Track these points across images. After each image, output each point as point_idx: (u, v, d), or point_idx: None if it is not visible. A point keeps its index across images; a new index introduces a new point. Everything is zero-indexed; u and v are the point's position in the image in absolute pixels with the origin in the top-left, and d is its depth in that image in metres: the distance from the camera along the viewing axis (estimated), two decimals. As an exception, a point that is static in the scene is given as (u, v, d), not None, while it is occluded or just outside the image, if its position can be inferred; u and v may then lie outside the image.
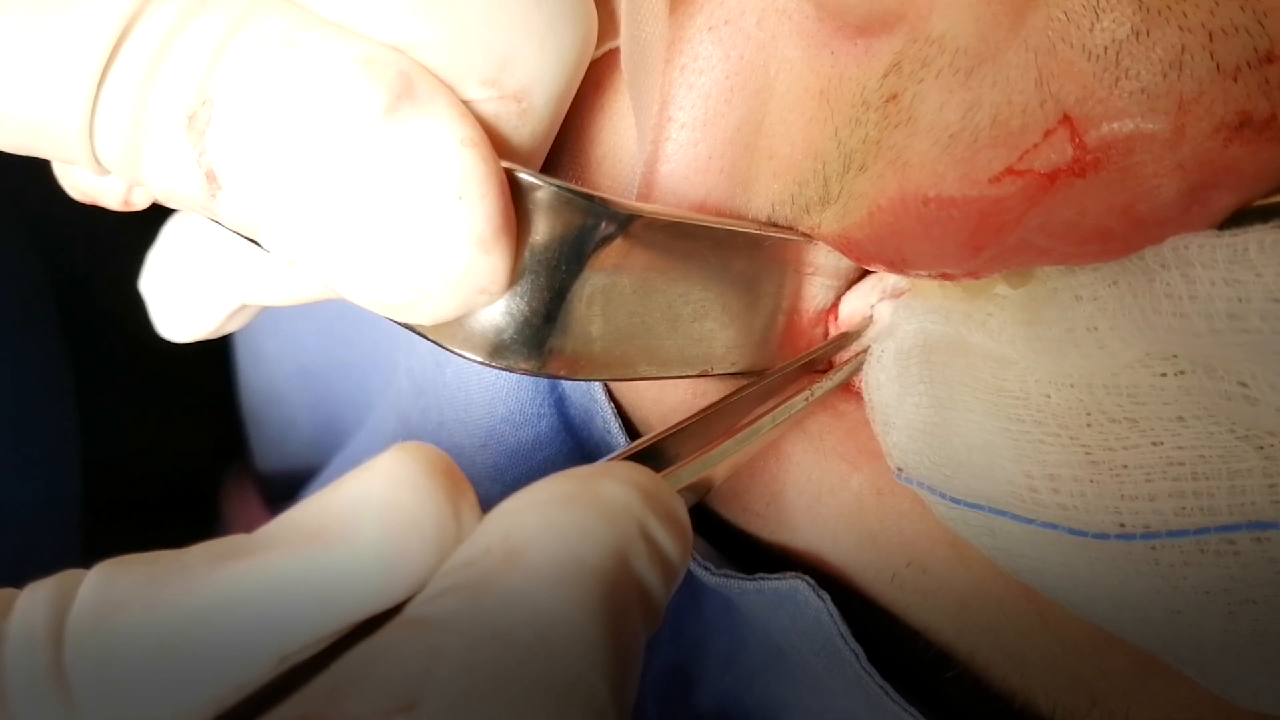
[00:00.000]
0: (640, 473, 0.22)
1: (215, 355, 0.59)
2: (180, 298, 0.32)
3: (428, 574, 0.20)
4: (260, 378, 0.57)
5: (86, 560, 0.21)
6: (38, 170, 0.28)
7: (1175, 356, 0.24)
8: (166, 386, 0.61)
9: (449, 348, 0.24)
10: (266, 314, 0.54)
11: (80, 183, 0.28)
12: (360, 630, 0.20)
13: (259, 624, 0.20)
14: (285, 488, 0.56)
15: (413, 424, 0.39)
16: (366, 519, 0.20)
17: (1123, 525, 0.24)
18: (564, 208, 0.23)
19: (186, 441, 0.65)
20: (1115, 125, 0.22)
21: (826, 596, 0.29)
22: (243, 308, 0.32)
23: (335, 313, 0.51)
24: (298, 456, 0.56)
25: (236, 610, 0.20)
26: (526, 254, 0.23)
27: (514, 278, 0.23)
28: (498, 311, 0.24)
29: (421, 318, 0.23)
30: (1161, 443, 0.24)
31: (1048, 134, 0.23)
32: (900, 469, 0.28)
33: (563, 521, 0.20)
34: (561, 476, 0.21)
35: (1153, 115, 0.22)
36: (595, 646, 0.18)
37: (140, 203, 0.28)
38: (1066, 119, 0.22)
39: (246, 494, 0.64)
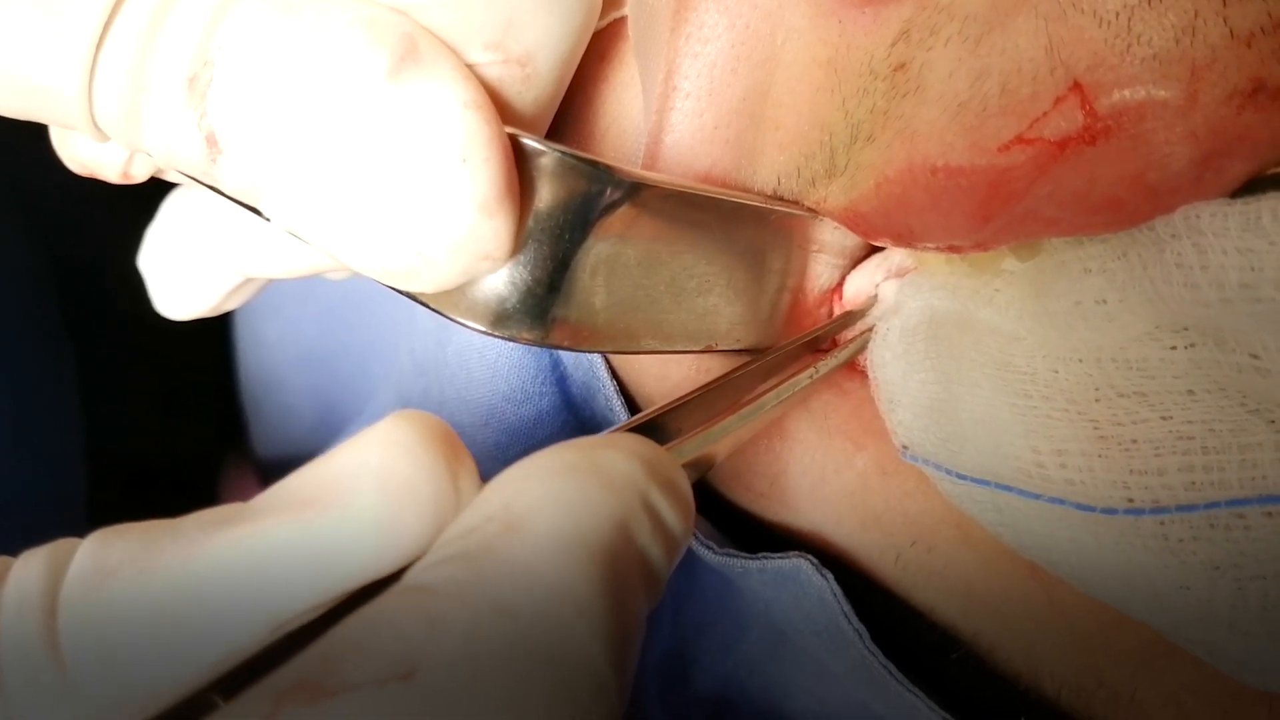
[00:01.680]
0: (643, 444, 0.22)
1: (216, 341, 0.60)
2: (180, 274, 0.32)
3: (425, 541, 0.20)
4: (260, 363, 0.57)
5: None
6: (37, 159, 0.27)
7: (1186, 329, 0.24)
8: (168, 374, 0.62)
9: (451, 316, 0.24)
10: (267, 298, 0.55)
11: (79, 154, 0.28)
12: (357, 598, 0.20)
13: (253, 590, 0.20)
14: (286, 474, 0.56)
15: (414, 404, 0.39)
16: (363, 485, 0.20)
17: (1131, 500, 0.24)
18: (568, 174, 0.23)
19: (188, 428, 0.65)
20: (1126, 92, 0.22)
21: (830, 576, 0.29)
22: (244, 283, 0.32)
23: (336, 297, 0.51)
24: (298, 443, 0.56)
25: (231, 576, 0.20)
26: (530, 221, 0.23)
27: (517, 245, 0.23)
28: (501, 280, 0.23)
29: (424, 284, 0.22)
30: (1171, 416, 0.24)
31: (1058, 101, 0.22)
32: (906, 446, 0.28)
33: (565, 491, 0.20)
34: (564, 446, 0.21)
35: (1165, 82, 0.21)
36: (597, 617, 0.18)
37: (139, 174, 0.28)
38: (1077, 86, 0.22)
39: (247, 481, 0.64)
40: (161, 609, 0.20)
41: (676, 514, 0.21)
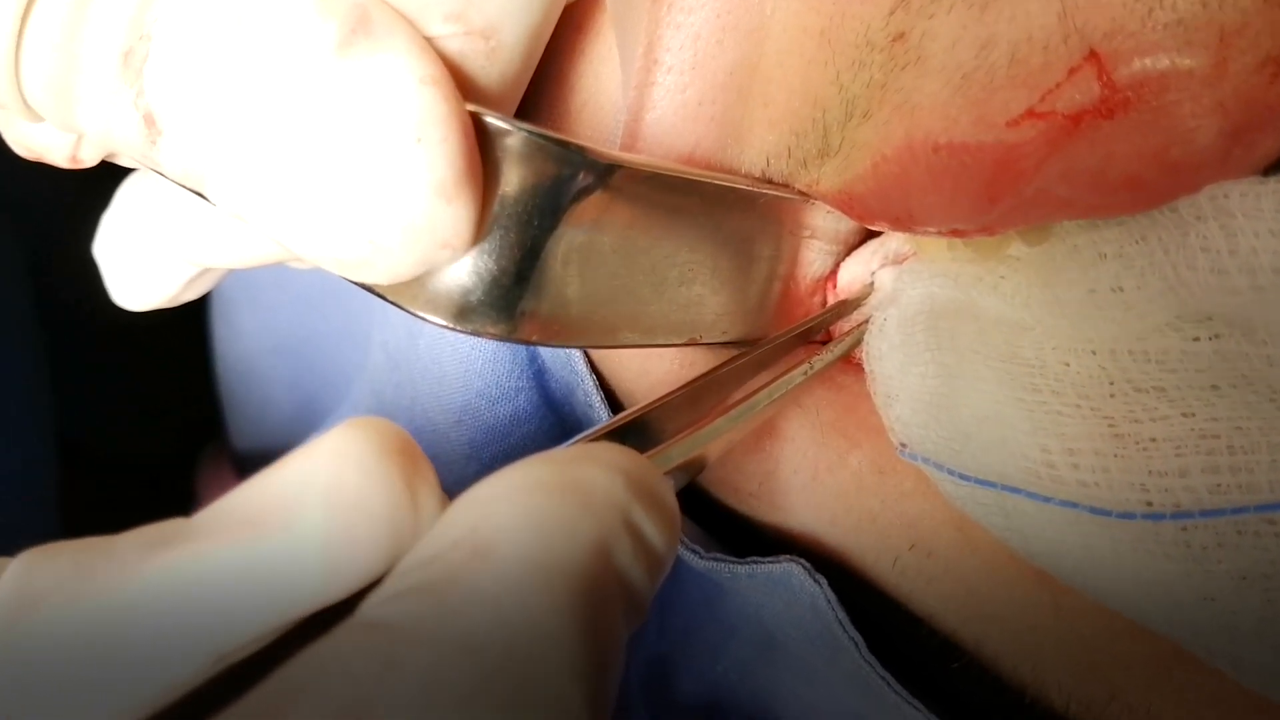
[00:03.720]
0: (624, 455, 0.21)
1: (193, 331, 0.59)
2: (136, 263, 0.31)
3: (381, 564, 0.19)
4: (236, 354, 0.56)
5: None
6: (7, 149, 0.27)
7: (1210, 318, 0.23)
8: (143, 364, 0.62)
9: (411, 310, 0.23)
10: (241, 287, 0.54)
11: (24, 138, 0.27)
12: (308, 627, 0.19)
13: (192, 619, 0.19)
14: (262, 466, 0.55)
15: (387, 399, 0.38)
16: (309, 502, 0.19)
17: (1150, 504, 0.23)
18: (537, 156, 0.22)
19: (164, 420, 0.65)
20: (1148, 61, 0.20)
21: (823, 580, 0.28)
22: (202, 274, 0.31)
23: (312, 285, 0.50)
24: (275, 434, 0.55)
25: (168, 604, 0.19)
26: (496, 206, 0.22)
27: (481, 232, 0.22)
28: (464, 270, 0.22)
29: (378, 276, 0.21)
30: (1194, 414, 0.23)
31: (1072, 72, 0.21)
32: (904, 444, 0.27)
33: (538, 512, 0.19)
34: (537, 460, 0.20)
35: (1190, 49, 0.20)
36: (571, 653, 0.17)
37: (88, 159, 0.27)
38: (1093, 55, 0.21)
39: (223, 473, 0.64)
40: (92, 639, 0.18)
41: (660, 531, 0.20)
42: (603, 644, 0.18)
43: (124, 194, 0.31)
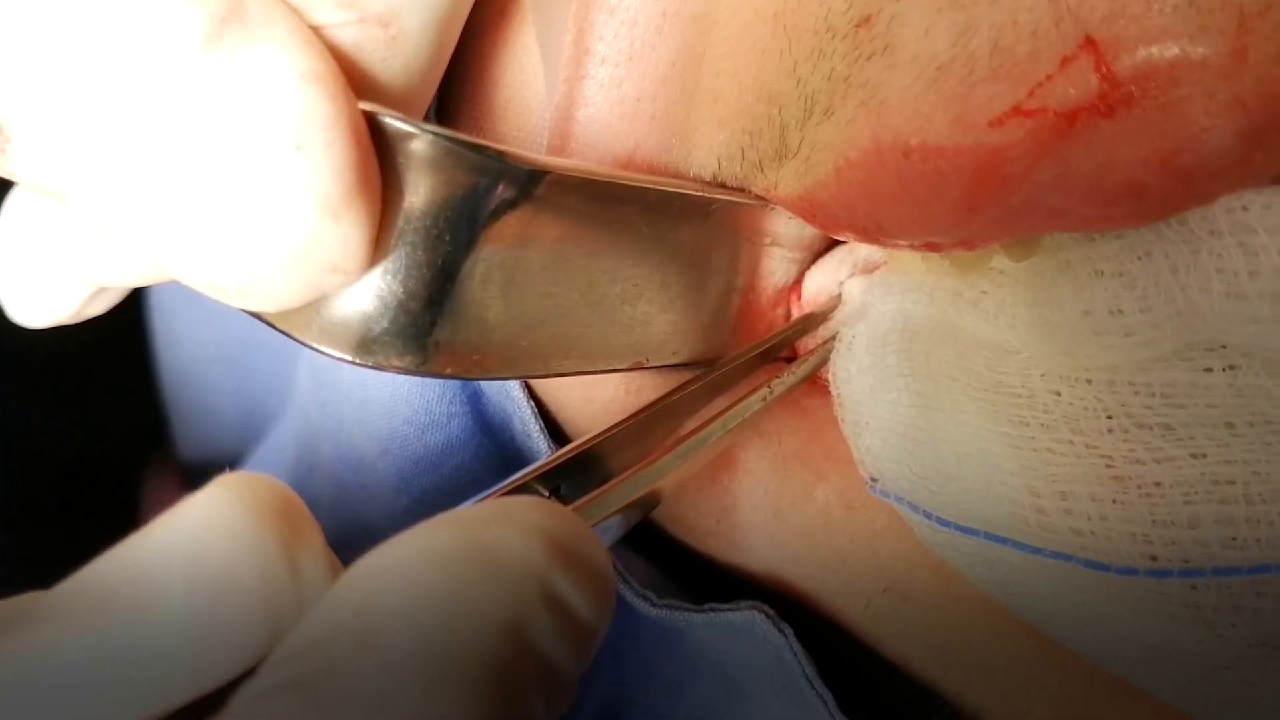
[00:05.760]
0: (544, 512, 0.19)
1: (142, 336, 0.57)
2: (26, 279, 0.28)
3: (257, 647, 0.17)
4: (179, 361, 0.55)
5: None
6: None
7: (1224, 348, 0.21)
8: (93, 366, 0.59)
9: (305, 342, 0.20)
10: (181, 293, 0.52)
11: None
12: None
13: None
14: (210, 477, 0.54)
15: (314, 421, 0.35)
16: (170, 578, 0.17)
17: (1154, 558, 0.21)
18: (448, 162, 0.19)
19: (110, 429, 0.63)
20: (1154, 50, 0.18)
21: (789, 630, 0.26)
22: (101, 289, 0.28)
23: None
24: (221, 443, 0.54)
25: (6, 702, 0.17)
26: (401, 220, 0.19)
27: (380, 251, 0.19)
28: (366, 295, 0.20)
29: (259, 304, 0.19)
30: (1205, 455, 0.21)
31: (1065, 62, 0.19)
32: (874, 479, 0.25)
33: (436, 589, 0.17)
34: (440, 523, 0.18)
35: (1204, 35, 0.18)
36: None
37: None
38: (1090, 43, 0.19)
39: (169, 485, 0.63)
40: None
41: (588, 599, 0.18)
42: None
43: (10, 203, 0.29)
